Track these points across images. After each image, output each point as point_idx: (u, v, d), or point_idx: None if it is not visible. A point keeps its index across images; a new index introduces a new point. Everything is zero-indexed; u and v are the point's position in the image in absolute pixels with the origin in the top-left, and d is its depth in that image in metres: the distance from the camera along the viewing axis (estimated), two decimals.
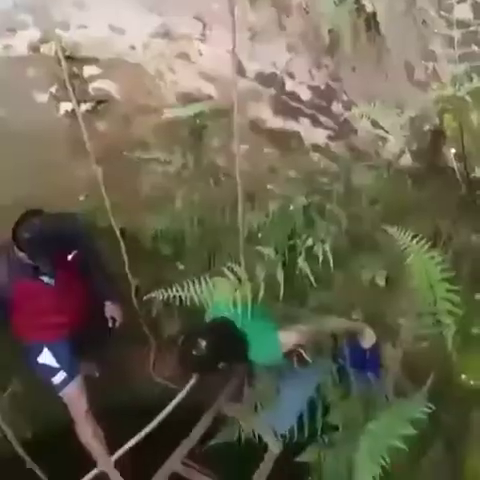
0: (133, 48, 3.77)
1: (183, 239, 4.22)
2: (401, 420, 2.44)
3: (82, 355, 4.90)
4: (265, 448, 4.75)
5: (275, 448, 4.72)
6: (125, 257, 4.50)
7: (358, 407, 3.31)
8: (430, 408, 2.51)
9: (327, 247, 3.11)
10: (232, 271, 2.91)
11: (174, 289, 2.73)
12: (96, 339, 4.94)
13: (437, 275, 2.56)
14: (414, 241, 2.54)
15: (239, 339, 3.43)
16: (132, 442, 4.03)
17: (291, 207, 3.30)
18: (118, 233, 4.37)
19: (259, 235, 3.37)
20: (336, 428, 3.51)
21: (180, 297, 2.73)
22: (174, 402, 4.15)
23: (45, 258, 3.96)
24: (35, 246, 3.86)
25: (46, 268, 4.05)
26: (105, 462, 4.51)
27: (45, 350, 4.49)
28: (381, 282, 3.16)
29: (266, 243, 3.30)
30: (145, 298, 3.01)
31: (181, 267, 4.56)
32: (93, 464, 4.57)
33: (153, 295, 2.81)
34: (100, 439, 4.65)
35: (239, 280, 2.89)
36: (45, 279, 4.19)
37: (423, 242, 2.55)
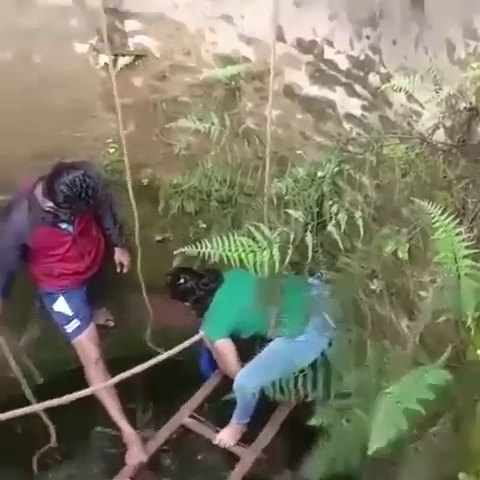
0: (176, 6, 3.78)
1: (209, 198, 4.29)
2: (419, 386, 2.50)
3: (96, 303, 5.02)
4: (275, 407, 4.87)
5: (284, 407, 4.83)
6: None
7: (372, 375, 3.38)
8: (447, 377, 2.58)
9: (357, 215, 3.16)
10: (260, 231, 2.97)
11: (203, 245, 2.77)
12: (108, 286, 5.06)
13: (462, 251, 2.60)
14: (443, 216, 2.58)
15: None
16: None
17: (320, 173, 3.34)
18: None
19: (286, 198, 3.42)
20: (349, 394, 3.59)
21: (209, 253, 2.77)
22: (178, 347, 3.89)
23: (72, 210, 4.06)
24: (69, 200, 3.95)
25: (66, 216, 4.15)
26: (116, 414, 4.66)
27: (61, 298, 4.61)
28: (404, 256, 3.21)
29: (294, 208, 3.35)
30: (175, 253, 3.05)
31: (203, 225, 4.64)
32: (103, 412, 4.71)
33: (182, 250, 2.84)
34: (110, 389, 4.76)
35: (267, 241, 2.95)
36: (63, 226, 4.30)
37: (451, 218, 2.58)
